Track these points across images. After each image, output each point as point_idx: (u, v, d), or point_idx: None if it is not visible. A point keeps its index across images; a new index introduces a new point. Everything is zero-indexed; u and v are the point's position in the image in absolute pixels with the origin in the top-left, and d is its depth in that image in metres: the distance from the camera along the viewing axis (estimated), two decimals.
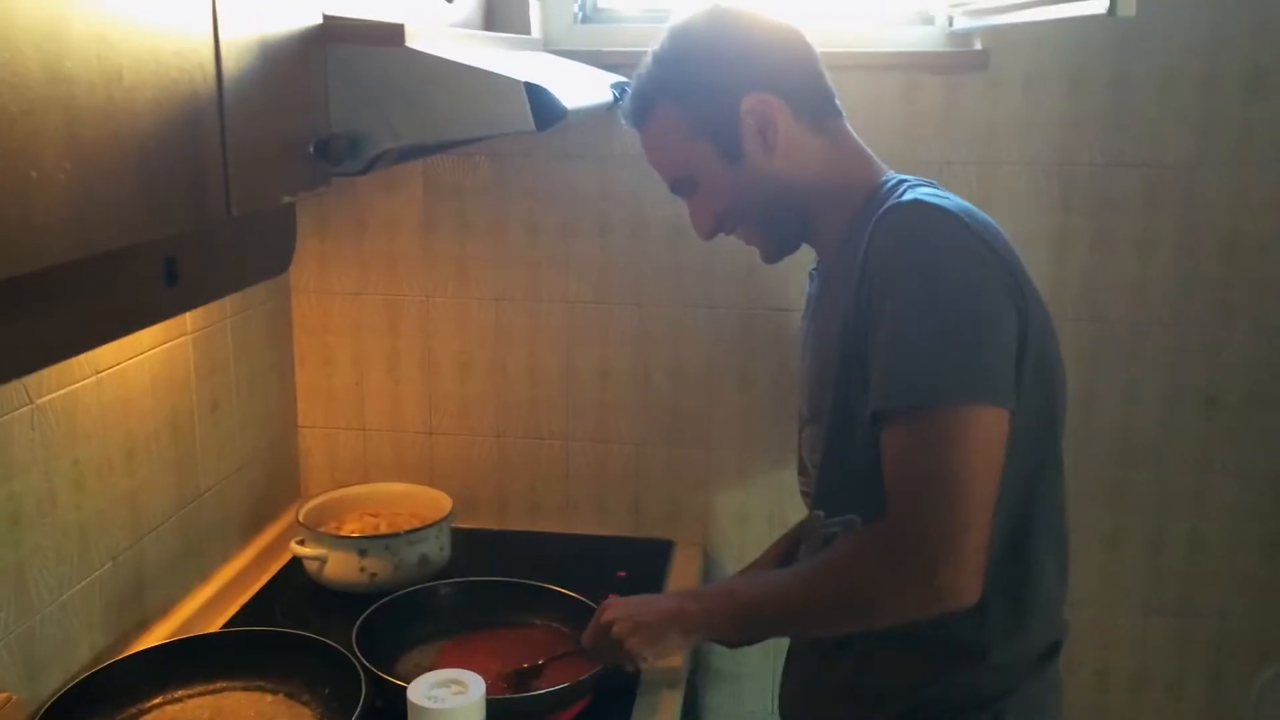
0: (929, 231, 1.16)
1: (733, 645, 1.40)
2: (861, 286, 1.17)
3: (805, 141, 1.28)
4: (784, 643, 1.51)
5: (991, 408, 1.12)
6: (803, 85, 1.29)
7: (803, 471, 1.39)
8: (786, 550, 1.53)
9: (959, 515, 1.10)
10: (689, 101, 1.28)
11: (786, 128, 1.27)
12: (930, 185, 1.26)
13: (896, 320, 1.13)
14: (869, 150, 1.33)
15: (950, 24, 1.89)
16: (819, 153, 1.29)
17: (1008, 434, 1.13)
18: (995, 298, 1.14)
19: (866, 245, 1.18)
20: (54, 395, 1.38)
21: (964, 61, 1.84)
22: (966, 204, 1.22)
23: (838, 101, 1.32)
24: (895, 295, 1.14)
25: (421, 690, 1.20)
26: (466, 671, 1.23)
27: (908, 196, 1.20)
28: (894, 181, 1.27)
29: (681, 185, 1.34)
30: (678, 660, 1.35)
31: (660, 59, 1.31)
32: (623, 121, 1.37)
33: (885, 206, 1.20)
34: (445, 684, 1.21)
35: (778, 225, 1.33)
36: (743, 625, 1.32)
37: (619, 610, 1.35)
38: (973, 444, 1.11)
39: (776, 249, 1.37)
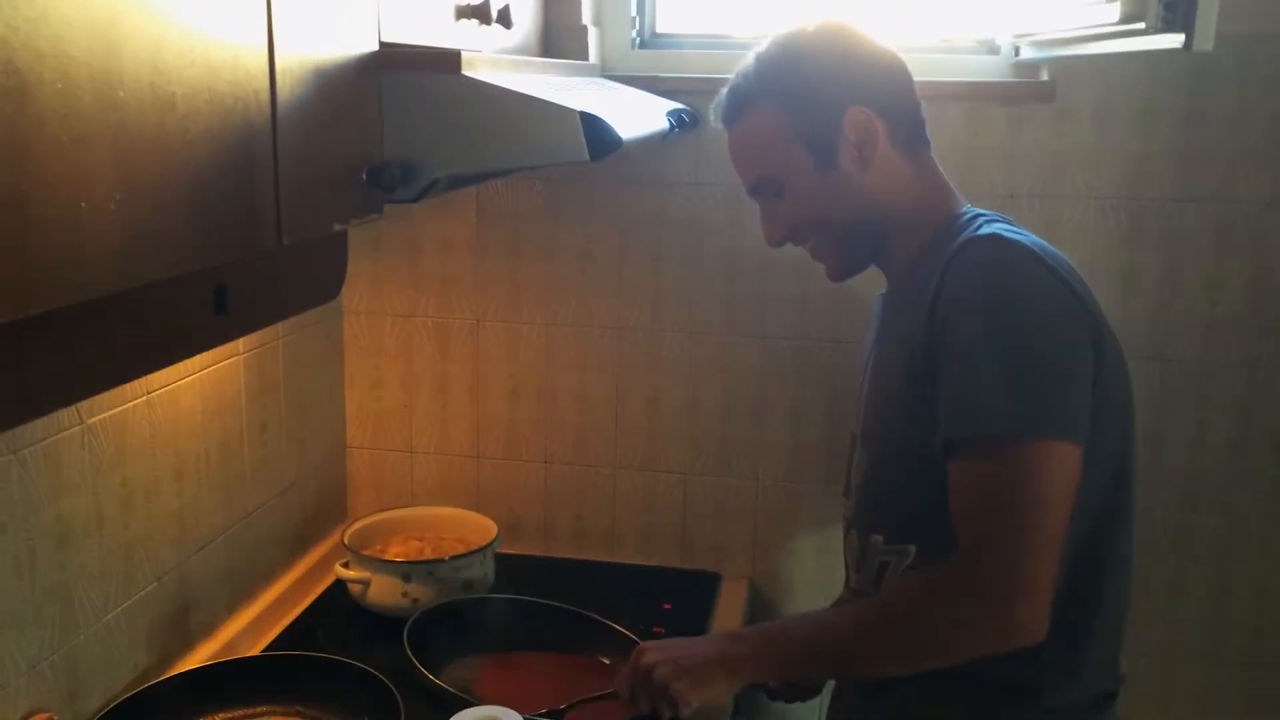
0: (1005, 265, 1.16)
1: (776, 694, 1.37)
2: (934, 317, 1.16)
3: (895, 164, 1.29)
4: (829, 685, 1.47)
5: (1065, 443, 1.11)
6: (902, 110, 1.30)
7: (847, 493, 1.37)
8: None
9: (1033, 551, 1.09)
10: (793, 105, 1.28)
11: (882, 147, 1.27)
12: (1006, 221, 1.26)
13: (970, 351, 1.13)
14: (950, 183, 1.33)
15: (1016, 54, 1.85)
16: (905, 177, 1.30)
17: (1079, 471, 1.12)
18: (1071, 333, 1.14)
19: (941, 276, 1.17)
20: (105, 415, 1.39)
21: (1030, 92, 1.80)
22: (1041, 241, 1.22)
23: (928, 132, 1.33)
24: (970, 327, 1.13)
25: None
26: (504, 709, 1.21)
27: (984, 230, 1.21)
28: (970, 215, 1.28)
29: (764, 187, 1.33)
30: (721, 698, 1.32)
31: (767, 60, 1.31)
32: (712, 118, 1.37)
33: (961, 239, 1.20)
34: None
35: (854, 242, 1.33)
36: (791, 666, 1.28)
37: (660, 653, 1.26)
38: (1047, 479, 1.10)
39: (846, 267, 1.36)
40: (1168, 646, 1.92)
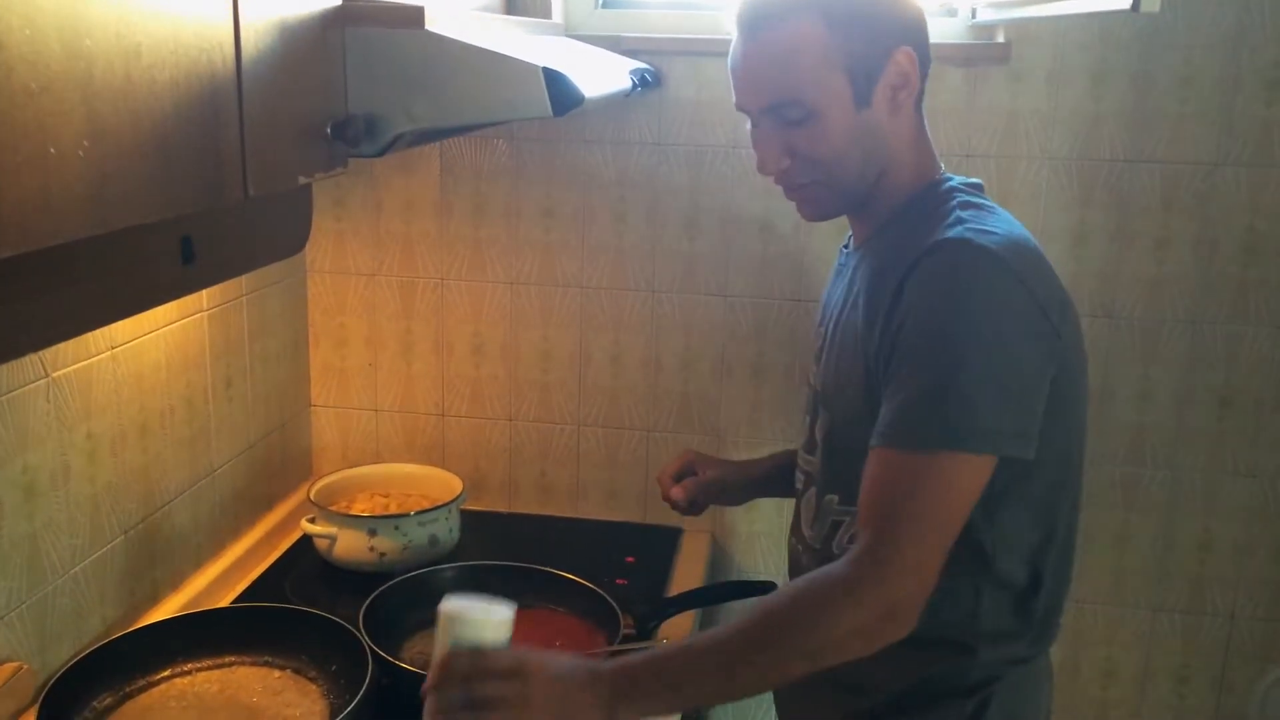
0: (968, 276, 1.13)
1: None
2: (892, 315, 1.16)
3: (910, 116, 1.25)
4: None
5: (976, 456, 1.11)
6: (927, 61, 1.25)
7: (809, 450, 1.38)
8: (781, 464, 1.54)
9: (926, 555, 1.10)
10: (845, 29, 1.17)
11: (913, 95, 1.23)
12: (979, 204, 1.23)
13: (914, 362, 1.13)
14: (933, 145, 1.30)
15: (974, 16, 1.88)
16: (911, 131, 1.26)
17: (989, 478, 1.12)
18: (1022, 349, 1.13)
19: (906, 273, 1.15)
20: (70, 369, 1.40)
21: (987, 54, 1.83)
22: (1015, 234, 1.19)
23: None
24: (920, 336, 1.13)
25: (453, 604, 1.17)
26: (496, 598, 1.20)
27: (955, 233, 1.16)
28: (947, 186, 1.25)
29: (788, 111, 1.20)
30: None
31: None
32: (730, 24, 1.25)
33: (934, 240, 1.16)
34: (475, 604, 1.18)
35: (850, 188, 1.25)
36: (678, 700, 1.16)
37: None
38: (947, 489, 1.11)
39: (829, 210, 1.29)
40: (1114, 594, 1.98)
